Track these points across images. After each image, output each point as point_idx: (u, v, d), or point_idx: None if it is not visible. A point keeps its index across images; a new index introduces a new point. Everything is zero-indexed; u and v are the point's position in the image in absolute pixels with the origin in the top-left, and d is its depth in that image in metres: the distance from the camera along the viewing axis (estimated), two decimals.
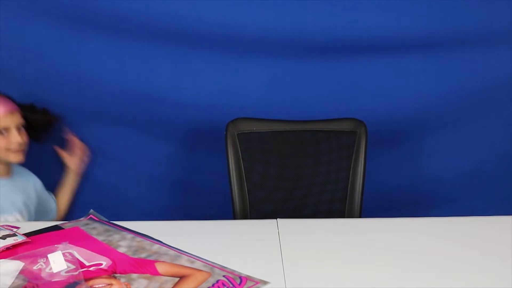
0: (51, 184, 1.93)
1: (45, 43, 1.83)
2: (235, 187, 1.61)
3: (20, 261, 1.14)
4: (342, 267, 1.19)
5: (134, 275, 1.12)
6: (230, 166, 1.61)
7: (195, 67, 1.88)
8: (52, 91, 1.88)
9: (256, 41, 1.83)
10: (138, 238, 1.28)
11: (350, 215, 1.63)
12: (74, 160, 1.93)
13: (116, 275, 1.12)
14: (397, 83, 1.93)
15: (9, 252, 1.19)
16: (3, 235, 1.23)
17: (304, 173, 1.67)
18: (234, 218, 1.61)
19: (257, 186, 1.64)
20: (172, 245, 1.25)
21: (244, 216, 1.61)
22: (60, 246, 1.20)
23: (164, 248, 1.23)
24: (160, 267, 1.15)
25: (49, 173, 1.92)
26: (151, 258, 1.19)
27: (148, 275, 1.12)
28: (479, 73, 1.92)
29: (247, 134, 1.65)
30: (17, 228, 1.31)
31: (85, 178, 1.99)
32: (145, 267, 1.15)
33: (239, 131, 1.63)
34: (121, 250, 1.22)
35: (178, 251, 1.22)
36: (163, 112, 1.93)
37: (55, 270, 1.11)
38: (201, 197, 2.07)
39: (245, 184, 1.63)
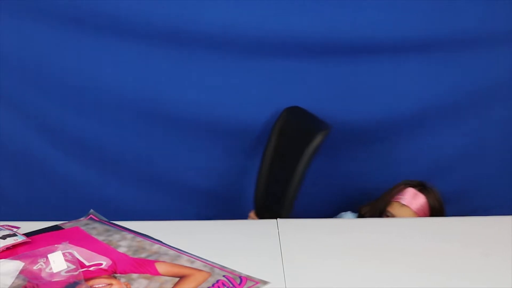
0: None
1: (45, 43, 1.82)
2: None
3: (20, 261, 1.14)
4: (342, 267, 1.19)
5: (134, 275, 1.12)
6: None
7: (194, 67, 1.87)
8: (52, 92, 1.88)
9: (256, 41, 1.83)
10: (138, 238, 1.28)
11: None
12: None
13: (116, 275, 1.12)
14: (397, 83, 1.92)
15: (9, 252, 1.19)
16: (3, 235, 1.23)
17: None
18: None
19: None
20: (172, 245, 1.25)
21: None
22: (60, 246, 1.20)
23: (164, 248, 1.23)
24: (160, 267, 1.15)
25: None
26: (151, 258, 1.19)
27: (148, 275, 1.12)
28: (479, 73, 1.91)
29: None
30: (17, 228, 1.31)
31: (85, 178, 1.99)
32: (145, 267, 1.15)
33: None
34: (121, 250, 1.22)
35: (178, 251, 1.22)
36: (163, 113, 1.92)
37: (55, 270, 1.11)
38: (200, 197, 2.06)
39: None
